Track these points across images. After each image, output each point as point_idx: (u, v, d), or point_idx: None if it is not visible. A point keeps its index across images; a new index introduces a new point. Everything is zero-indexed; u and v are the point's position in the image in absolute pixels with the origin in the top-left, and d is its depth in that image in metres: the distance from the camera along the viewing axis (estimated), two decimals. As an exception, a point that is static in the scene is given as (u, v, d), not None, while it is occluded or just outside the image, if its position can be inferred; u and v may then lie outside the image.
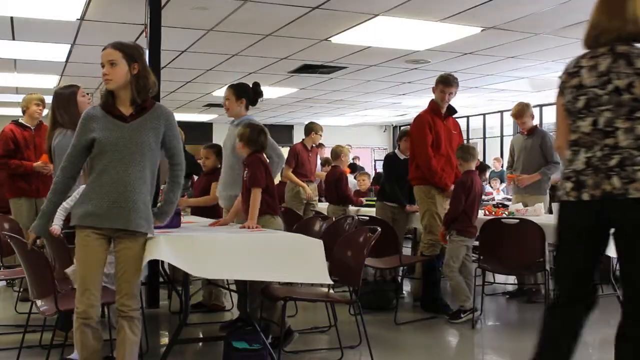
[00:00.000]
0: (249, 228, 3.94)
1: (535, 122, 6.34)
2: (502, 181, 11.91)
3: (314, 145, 7.78)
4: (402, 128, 6.63)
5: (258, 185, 4.10)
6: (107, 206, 3.02)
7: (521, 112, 6.15)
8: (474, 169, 5.25)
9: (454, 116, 5.80)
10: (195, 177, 6.74)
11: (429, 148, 5.42)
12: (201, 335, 4.95)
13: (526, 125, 6.19)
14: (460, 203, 5.09)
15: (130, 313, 3.09)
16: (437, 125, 5.51)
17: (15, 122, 5.76)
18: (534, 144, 6.11)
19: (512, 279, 7.02)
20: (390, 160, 6.36)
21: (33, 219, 5.44)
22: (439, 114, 5.56)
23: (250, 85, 4.82)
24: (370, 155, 18.62)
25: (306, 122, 7.99)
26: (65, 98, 4.24)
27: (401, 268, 5.72)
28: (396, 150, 6.32)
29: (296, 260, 3.57)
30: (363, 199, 7.36)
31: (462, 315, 5.05)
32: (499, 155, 14.72)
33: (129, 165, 3.03)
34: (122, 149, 3.03)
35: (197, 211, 5.59)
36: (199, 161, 7.25)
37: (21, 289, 5.63)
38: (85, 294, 3.04)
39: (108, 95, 3.11)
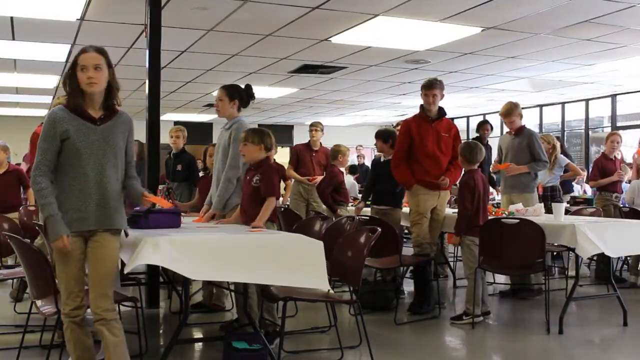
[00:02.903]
0: (254, 228, 3.99)
1: (524, 121, 6.30)
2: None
3: (320, 143, 7.73)
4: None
5: (274, 195, 4.23)
6: (92, 208, 3.06)
7: (509, 111, 6.13)
8: (476, 168, 5.24)
9: (456, 118, 5.86)
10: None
11: (399, 153, 5.64)
12: (201, 335, 4.95)
13: (514, 125, 6.17)
14: (467, 205, 5.07)
15: (104, 315, 3.05)
16: (423, 129, 5.59)
17: None
18: (522, 143, 6.11)
19: (509, 277, 7.02)
20: (373, 163, 6.63)
21: None
22: (425, 118, 5.63)
23: (243, 87, 4.82)
24: (370, 155, 18.63)
25: (306, 122, 7.97)
26: None
27: (401, 268, 5.71)
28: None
29: (295, 262, 3.54)
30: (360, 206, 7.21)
31: (464, 318, 5.04)
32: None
33: (105, 167, 3.08)
34: (97, 151, 3.07)
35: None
36: (198, 161, 7.26)
37: (15, 289, 5.65)
38: (70, 297, 3.08)
39: (78, 98, 3.08)
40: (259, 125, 17.69)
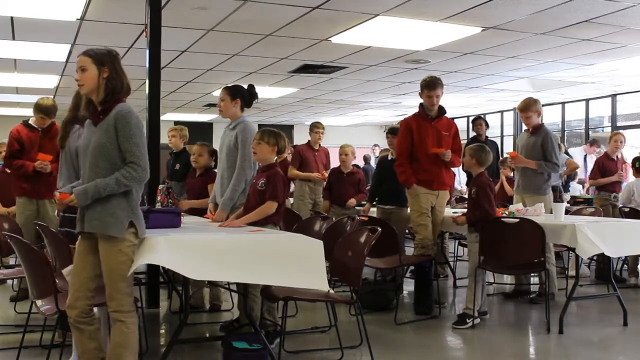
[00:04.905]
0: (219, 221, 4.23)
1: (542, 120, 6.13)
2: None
3: (320, 143, 7.77)
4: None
5: (276, 200, 4.23)
6: (80, 210, 3.13)
7: (527, 106, 5.96)
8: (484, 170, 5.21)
9: (456, 118, 5.84)
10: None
11: (402, 152, 5.61)
12: (201, 335, 4.95)
13: (530, 121, 6.00)
14: (491, 210, 5.02)
15: (113, 314, 3.13)
16: (423, 128, 5.57)
17: (25, 123, 5.88)
18: (536, 142, 5.96)
19: (512, 278, 7.03)
20: (379, 162, 6.61)
21: (32, 219, 5.54)
22: (425, 118, 5.61)
23: (245, 87, 4.83)
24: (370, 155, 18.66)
25: (306, 122, 7.98)
26: None
27: (403, 268, 5.70)
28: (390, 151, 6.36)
29: (295, 262, 3.54)
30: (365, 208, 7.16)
31: (468, 321, 4.95)
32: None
33: (89, 169, 3.12)
34: (87, 153, 3.14)
35: (196, 212, 5.56)
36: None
37: (18, 289, 5.65)
38: (69, 294, 3.16)
39: (88, 102, 3.19)
40: (259, 125, 17.70)
